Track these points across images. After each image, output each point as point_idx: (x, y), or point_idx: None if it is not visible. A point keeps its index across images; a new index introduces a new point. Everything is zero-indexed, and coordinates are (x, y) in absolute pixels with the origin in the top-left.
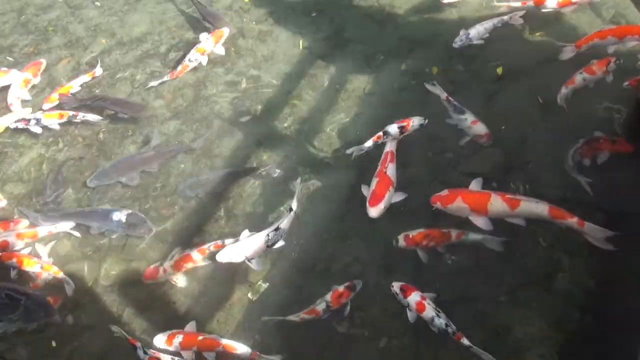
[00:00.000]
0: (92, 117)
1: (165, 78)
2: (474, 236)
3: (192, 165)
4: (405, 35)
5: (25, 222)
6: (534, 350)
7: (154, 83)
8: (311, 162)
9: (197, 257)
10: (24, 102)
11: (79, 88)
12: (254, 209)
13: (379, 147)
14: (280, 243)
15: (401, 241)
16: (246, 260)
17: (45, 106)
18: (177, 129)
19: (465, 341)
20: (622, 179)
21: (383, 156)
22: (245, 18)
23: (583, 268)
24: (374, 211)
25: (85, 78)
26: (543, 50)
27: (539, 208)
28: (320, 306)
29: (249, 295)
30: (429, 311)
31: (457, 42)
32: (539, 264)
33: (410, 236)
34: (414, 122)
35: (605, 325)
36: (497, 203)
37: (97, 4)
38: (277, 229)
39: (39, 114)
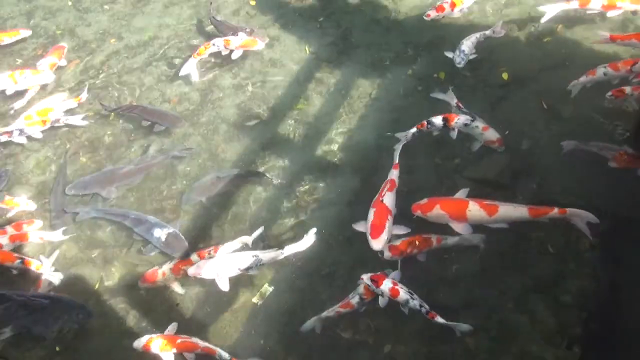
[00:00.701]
0: (75, 120)
1: (191, 61)
2: (453, 239)
3: (198, 168)
4: (411, 40)
5: (38, 223)
6: (540, 358)
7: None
8: (316, 167)
9: (195, 260)
10: (43, 86)
11: (62, 114)
12: (259, 213)
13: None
14: (255, 272)
15: (387, 252)
16: (216, 279)
17: (26, 124)
18: (183, 133)
19: (439, 319)
20: (630, 185)
21: (383, 184)
22: (252, 23)
23: (590, 276)
24: (376, 243)
25: (71, 103)
26: (550, 56)
27: (518, 211)
28: (354, 299)
29: (254, 299)
30: (403, 294)
31: (461, 63)
32: (546, 271)
33: (395, 246)
34: (459, 118)
35: (612, 333)
36: (475, 210)
37: (106, 7)
38: (256, 257)
39: (21, 124)
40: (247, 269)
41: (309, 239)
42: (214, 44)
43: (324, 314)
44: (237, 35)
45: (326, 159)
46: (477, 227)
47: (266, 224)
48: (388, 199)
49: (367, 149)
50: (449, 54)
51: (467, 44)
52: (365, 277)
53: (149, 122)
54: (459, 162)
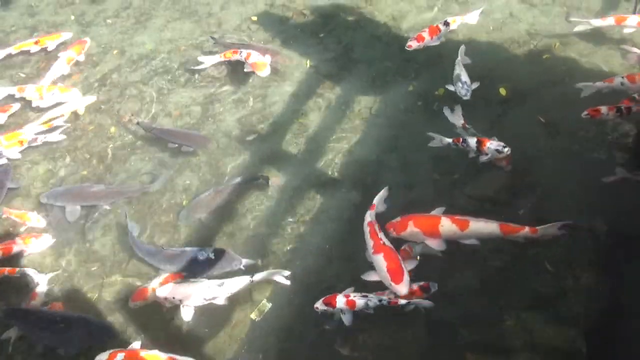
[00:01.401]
0: (54, 137)
1: (217, 58)
2: (418, 247)
3: (199, 182)
4: (411, 57)
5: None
6: None
7: (201, 65)
8: (316, 181)
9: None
10: (63, 77)
11: (34, 135)
12: (258, 228)
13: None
14: (221, 302)
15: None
16: (181, 305)
17: (4, 147)
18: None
19: (401, 301)
20: (631, 202)
21: (369, 229)
22: (254, 38)
23: (588, 292)
24: (402, 288)
25: (41, 127)
26: (550, 73)
27: (490, 227)
28: (371, 302)
29: (252, 315)
30: (360, 301)
31: (467, 94)
32: (545, 287)
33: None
34: (492, 144)
35: (612, 349)
36: (447, 225)
37: (109, 21)
38: (221, 285)
39: None
40: (213, 298)
41: (279, 276)
42: (240, 53)
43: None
44: (264, 55)
45: (326, 173)
46: None
47: (265, 239)
48: (385, 239)
49: (367, 164)
50: (451, 87)
51: (464, 74)
52: (319, 305)
53: (176, 145)
54: (457, 177)
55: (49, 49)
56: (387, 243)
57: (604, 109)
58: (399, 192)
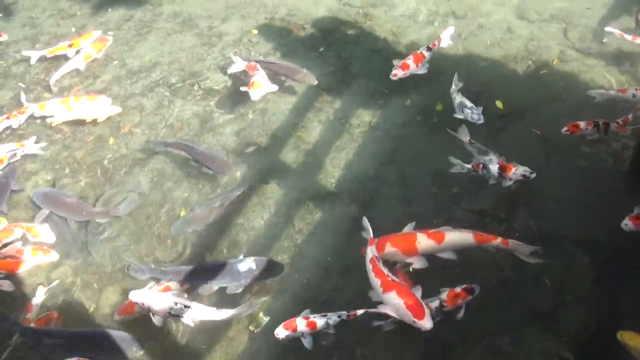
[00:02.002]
0: (32, 149)
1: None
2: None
3: (198, 195)
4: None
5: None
6: None
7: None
8: (314, 195)
9: (174, 286)
10: (76, 71)
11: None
12: (257, 240)
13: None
14: (188, 322)
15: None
16: (151, 315)
17: None
18: (183, 158)
19: (359, 311)
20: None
21: (371, 266)
22: (253, 51)
23: (587, 308)
24: (426, 323)
25: (11, 145)
26: (547, 88)
27: (464, 236)
28: (434, 303)
29: (250, 327)
30: (320, 321)
31: (480, 118)
32: (544, 303)
33: None
34: (517, 169)
35: None
36: (424, 240)
37: (110, 33)
38: (186, 306)
39: None
40: (178, 315)
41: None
42: (260, 71)
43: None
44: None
45: (324, 187)
46: None
47: (263, 252)
48: (392, 275)
49: (366, 178)
50: (460, 115)
51: (466, 100)
52: (280, 331)
53: (197, 164)
54: (457, 191)
55: (84, 50)
56: (394, 277)
57: (582, 124)
58: (398, 206)
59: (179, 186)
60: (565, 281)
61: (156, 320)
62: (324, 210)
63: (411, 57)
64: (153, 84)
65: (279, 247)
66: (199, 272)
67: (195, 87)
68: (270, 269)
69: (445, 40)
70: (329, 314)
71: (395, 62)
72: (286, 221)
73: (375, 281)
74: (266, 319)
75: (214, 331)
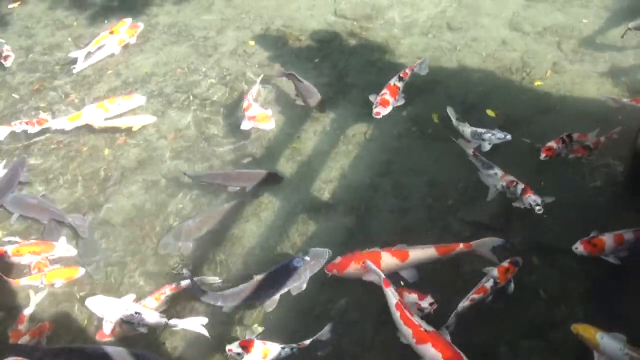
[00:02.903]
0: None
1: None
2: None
3: (192, 205)
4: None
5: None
6: None
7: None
8: (310, 206)
9: (152, 304)
10: (110, 56)
11: None
12: (252, 251)
13: None
14: (140, 328)
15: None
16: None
17: None
18: (178, 169)
19: (307, 341)
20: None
21: (399, 313)
22: (249, 62)
23: (581, 319)
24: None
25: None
26: (542, 100)
27: (428, 252)
28: (488, 283)
29: (245, 338)
30: (274, 349)
31: (504, 135)
32: (539, 315)
33: None
34: (530, 197)
35: None
36: (388, 259)
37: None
38: (137, 313)
39: None
40: (137, 324)
41: (197, 324)
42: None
43: (460, 306)
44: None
45: (320, 198)
46: None
47: (259, 262)
48: (420, 320)
49: (361, 188)
50: (486, 146)
51: (472, 127)
52: (234, 347)
53: (236, 189)
54: (452, 203)
55: (121, 35)
56: (427, 326)
57: (553, 144)
58: (393, 217)
59: (173, 198)
60: (561, 294)
61: (105, 327)
62: (319, 221)
63: (386, 91)
64: (148, 95)
65: (274, 258)
66: (258, 286)
67: (191, 98)
68: (320, 256)
69: (421, 70)
70: (283, 344)
71: (372, 97)
72: (281, 233)
73: (406, 330)
74: (260, 330)
75: (208, 343)
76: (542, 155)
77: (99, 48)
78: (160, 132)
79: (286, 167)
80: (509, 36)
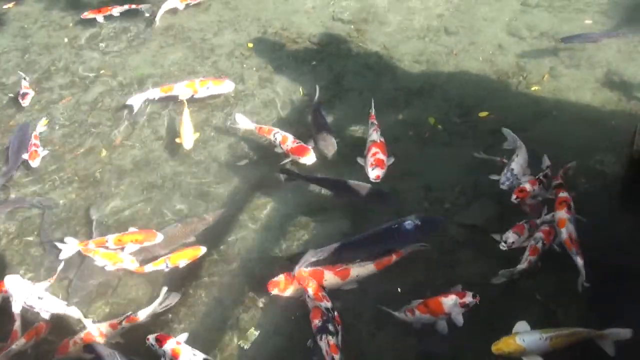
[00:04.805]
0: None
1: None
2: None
3: (189, 208)
4: (402, 86)
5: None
6: None
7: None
8: (306, 209)
9: (108, 331)
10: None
11: None
12: (249, 255)
13: None
14: (43, 314)
15: None
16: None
17: None
18: (174, 172)
19: None
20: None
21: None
22: (246, 64)
23: (577, 322)
24: None
25: None
26: (538, 105)
27: (367, 269)
28: (538, 244)
29: (240, 342)
30: (185, 353)
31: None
32: (535, 318)
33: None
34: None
35: None
36: (330, 278)
37: (102, 45)
38: (40, 298)
39: None
40: (32, 307)
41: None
42: (274, 135)
43: (519, 266)
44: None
45: (317, 201)
46: None
47: (255, 266)
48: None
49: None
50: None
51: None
52: (151, 338)
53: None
54: (448, 207)
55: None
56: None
57: (528, 186)
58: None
59: (170, 199)
60: (555, 296)
61: (14, 306)
62: (315, 224)
63: (376, 149)
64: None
65: (270, 262)
66: (365, 242)
67: (187, 100)
68: (431, 224)
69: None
70: (194, 350)
71: (359, 160)
72: (278, 236)
73: None
74: (256, 334)
75: (204, 346)
76: (513, 197)
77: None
78: (156, 134)
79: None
80: (506, 41)
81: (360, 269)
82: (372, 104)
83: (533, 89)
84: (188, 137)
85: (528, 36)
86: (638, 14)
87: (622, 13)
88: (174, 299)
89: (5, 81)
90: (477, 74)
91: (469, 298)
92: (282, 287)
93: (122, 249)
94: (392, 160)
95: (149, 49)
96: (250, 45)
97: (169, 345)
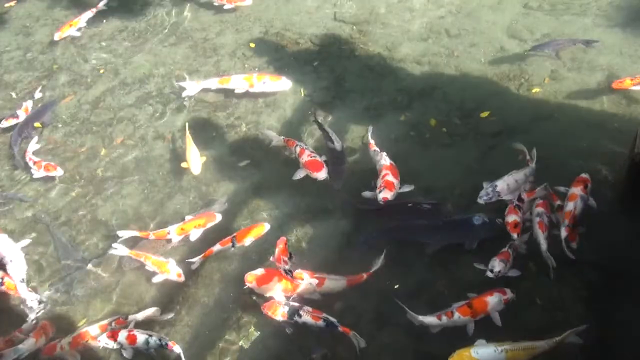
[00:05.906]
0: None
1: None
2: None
3: (189, 208)
4: (403, 87)
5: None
6: None
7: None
8: (307, 210)
9: (96, 333)
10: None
11: None
12: (250, 255)
13: None
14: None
15: None
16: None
17: None
18: (175, 171)
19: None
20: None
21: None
22: (247, 64)
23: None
24: None
25: None
26: (539, 107)
27: (340, 283)
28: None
29: (241, 342)
30: (141, 336)
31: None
32: (535, 321)
33: None
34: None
35: None
36: (307, 279)
37: (104, 44)
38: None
39: None
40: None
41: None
42: (295, 146)
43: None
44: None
45: (317, 202)
46: None
47: (255, 266)
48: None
49: (358, 193)
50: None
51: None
52: (103, 338)
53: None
54: (449, 208)
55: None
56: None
57: (516, 218)
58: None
59: (171, 198)
60: (555, 300)
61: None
62: (315, 225)
63: (387, 172)
64: (146, 96)
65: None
66: (434, 228)
67: (188, 99)
68: (492, 224)
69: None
70: (151, 332)
71: (366, 195)
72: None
73: None
74: (256, 334)
75: (204, 346)
76: (499, 220)
77: None
78: (157, 133)
79: (284, 170)
80: (507, 43)
81: (334, 282)
82: (370, 132)
83: (534, 91)
84: (195, 162)
85: (529, 38)
86: (639, 16)
87: (623, 15)
88: (164, 316)
89: (8, 79)
90: (478, 76)
91: (509, 294)
92: (261, 281)
93: (187, 236)
94: (410, 187)
95: (151, 48)
96: (252, 45)
97: (123, 336)
